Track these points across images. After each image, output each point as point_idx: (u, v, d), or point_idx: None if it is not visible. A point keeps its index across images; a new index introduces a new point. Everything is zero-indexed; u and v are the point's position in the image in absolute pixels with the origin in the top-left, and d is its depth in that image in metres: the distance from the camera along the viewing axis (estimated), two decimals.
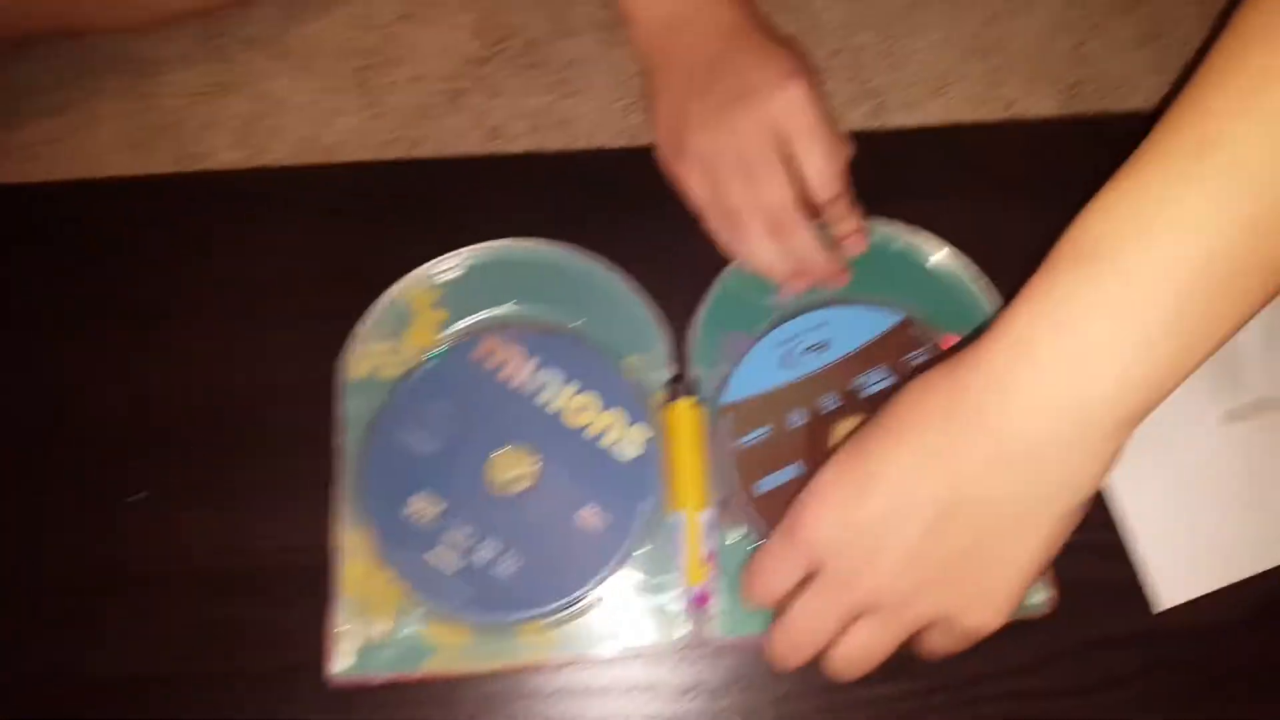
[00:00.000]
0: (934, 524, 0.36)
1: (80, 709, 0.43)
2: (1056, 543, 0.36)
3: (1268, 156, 0.31)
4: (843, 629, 0.39)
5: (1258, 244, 0.32)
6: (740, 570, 0.42)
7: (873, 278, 0.49)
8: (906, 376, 0.47)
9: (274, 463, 0.46)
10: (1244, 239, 0.32)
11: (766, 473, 0.45)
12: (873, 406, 0.45)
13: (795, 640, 0.39)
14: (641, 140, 0.52)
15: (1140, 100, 0.55)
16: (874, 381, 0.47)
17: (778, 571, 0.39)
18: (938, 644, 0.39)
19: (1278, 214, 0.32)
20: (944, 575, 0.36)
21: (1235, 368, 0.49)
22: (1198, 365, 0.33)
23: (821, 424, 0.46)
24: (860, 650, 0.39)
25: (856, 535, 0.37)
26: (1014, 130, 0.54)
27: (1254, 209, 0.31)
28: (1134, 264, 0.32)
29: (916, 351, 0.47)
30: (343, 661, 0.42)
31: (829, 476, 0.38)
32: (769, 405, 0.47)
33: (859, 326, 0.48)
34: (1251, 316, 0.33)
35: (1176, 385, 0.33)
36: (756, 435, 0.46)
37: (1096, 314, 0.33)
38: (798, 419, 0.46)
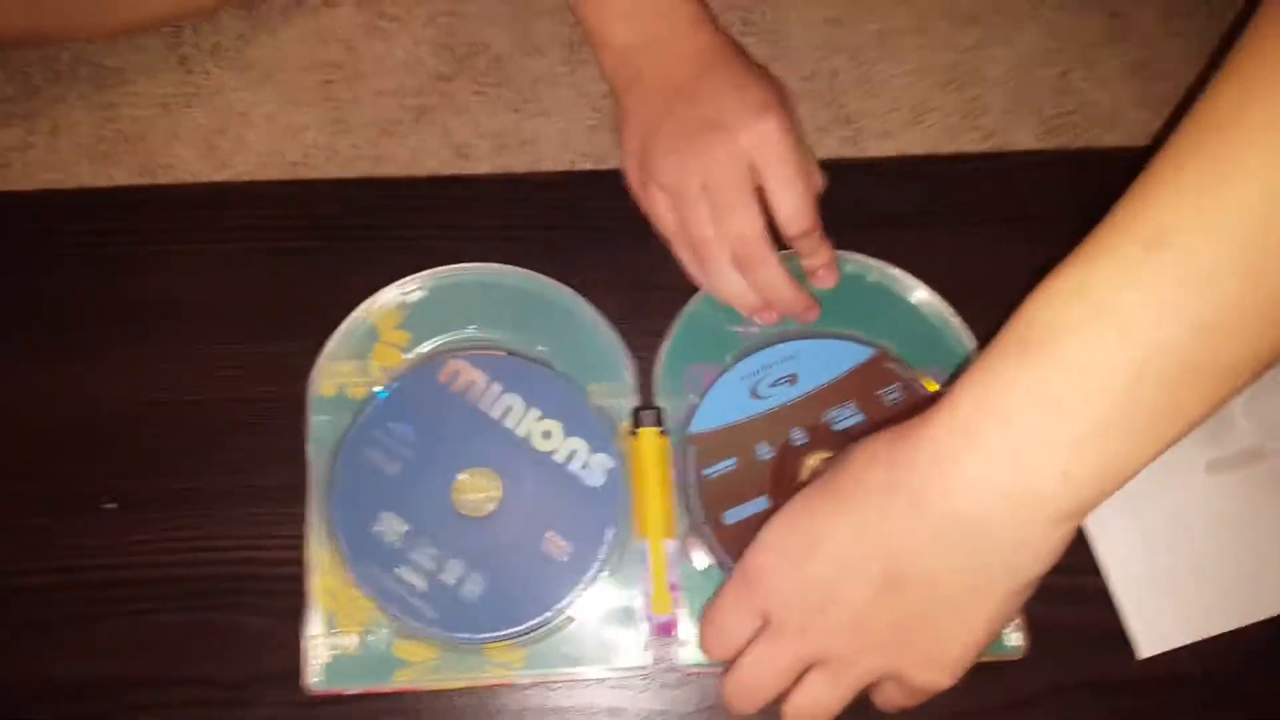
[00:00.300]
0: (879, 590, 0.42)
1: (52, 713, 0.51)
2: (1005, 617, 0.42)
3: (1218, 256, 0.35)
4: (794, 679, 0.46)
5: (1206, 345, 0.35)
6: (702, 609, 0.49)
7: (846, 311, 0.58)
8: (877, 413, 0.55)
9: (247, 475, 0.55)
10: (1191, 340, 0.35)
11: (732, 505, 0.54)
12: (842, 441, 0.53)
13: (746, 688, 0.46)
14: (609, 162, 0.61)
15: (1126, 133, 0.64)
16: (844, 416, 0.56)
17: (732, 619, 0.46)
18: (891, 698, 0.46)
19: (1227, 315, 0.35)
20: (892, 636, 0.43)
21: (1223, 416, 0.56)
22: (1146, 463, 0.37)
23: (790, 457, 0.55)
24: (811, 702, 0.45)
25: (805, 591, 0.44)
26: (993, 162, 0.63)
27: (1202, 309, 0.35)
28: (1077, 359, 0.36)
29: (888, 387, 0.56)
30: (315, 673, 0.51)
31: (777, 531, 0.45)
32: (736, 437, 0.55)
33: (830, 360, 0.56)
34: (1205, 417, 0.37)
35: (1124, 482, 0.38)
36: (722, 467, 0.55)
37: (1038, 408, 0.37)
38: (765, 452, 0.55)
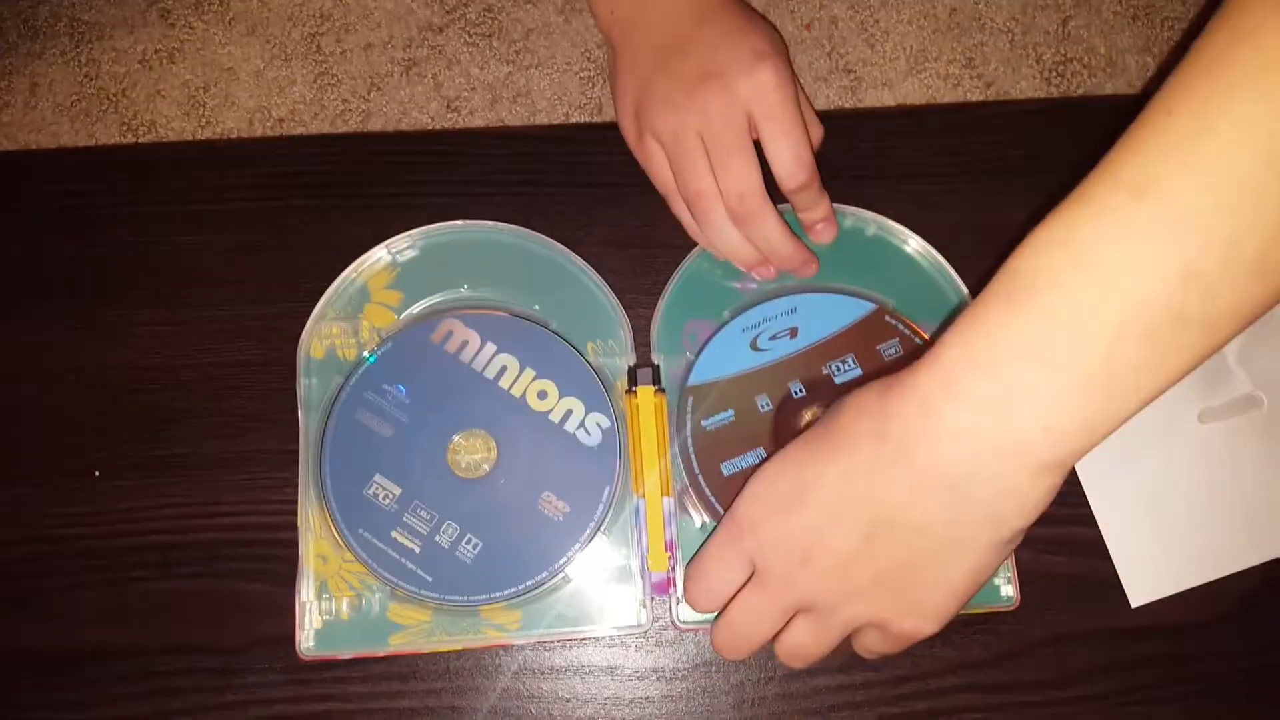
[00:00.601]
0: (864, 539, 0.41)
1: (46, 682, 0.49)
2: (989, 569, 0.41)
3: (1206, 206, 0.33)
4: (781, 626, 0.45)
5: (1191, 296, 0.34)
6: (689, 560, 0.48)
7: (845, 265, 0.56)
8: (876, 367, 0.53)
9: (238, 440, 0.52)
10: (1176, 291, 0.34)
11: (730, 456, 0.52)
12: (841, 394, 0.53)
13: (735, 637, 0.45)
14: (605, 114, 0.59)
15: (1128, 80, 0.61)
16: (843, 370, 0.54)
17: (719, 569, 0.45)
18: (873, 645, 0.45)
19: (1214, 265, 0.33)
20: (876, 585, 0.42)
21: (1217, 365, 0.55)
22: (1129, 417, 0.36)
23: (789, 410, 0.53)
24: (797, 647, 0.45)
25: (792, 539, 0.43)
26: (994, 111, 0.60)
27: (1188, 260, 0.33)
28: (1060, 309, 0.35)
29: (888, 342, 0.54)
30: (308, 637, 0.49)
31: (766, 479, 0.44)
32: (735, 389, 0.53)
33: (830, 314, 0.54)
34: (1189, 371, 0.36)
35: (1109, 433, 0.37)
36: (721, 419, 0.53)
37: (1021, 359, 0.36)
38: (765, 404, 0.53)
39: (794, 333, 0.54)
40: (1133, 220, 0.34)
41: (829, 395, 0.53)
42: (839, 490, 0.41)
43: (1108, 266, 0.35)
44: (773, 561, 0.44)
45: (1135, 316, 0.34)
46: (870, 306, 0.55)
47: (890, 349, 0.54)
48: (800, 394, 0.53)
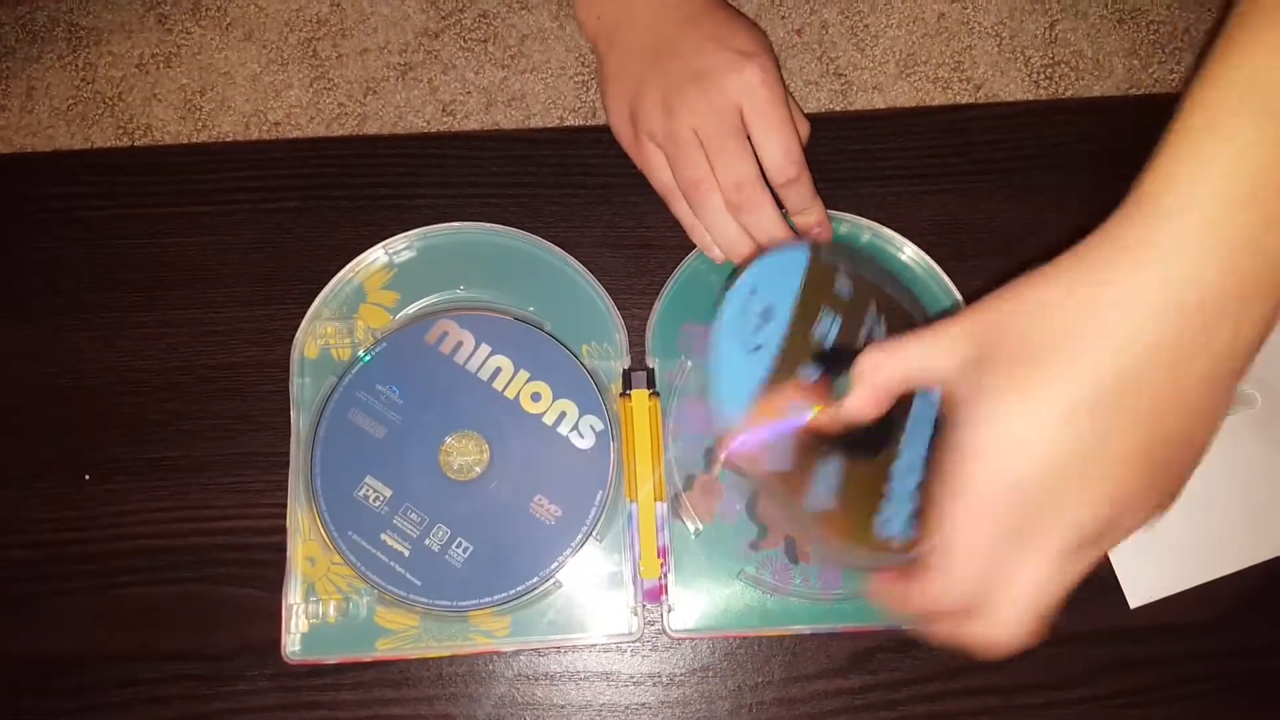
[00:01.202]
0: (1146, 443, 0.34)
1: (38, 688, 0.44)
2: (1220, 415, 0.34)
3: None
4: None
5: None
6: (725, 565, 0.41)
7: None
8: (845, 311, 0.43)
9: (232, 441, 0.47)
10: None
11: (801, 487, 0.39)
12: (838, 355, 0.42)
13: (956, 581, 0.35)
14: (598, 117, 0.53)
15: (1114, 83, 0.56)
16: (826, 328, 0.42)
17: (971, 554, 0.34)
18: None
19: None
20: (1145, 482, 0.35)
21: None
22: None
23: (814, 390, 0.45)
24: (1035, 589, 0.35)
25: (1064, 464, 0.33)
26: (983, 113, 0.55)
27: None
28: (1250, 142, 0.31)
29: (837, 283, 0.43)
30: (295, 641, 0.44)
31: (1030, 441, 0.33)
32: (769, 406, 0.41)
33: (781, 275, 0.42)
34: None
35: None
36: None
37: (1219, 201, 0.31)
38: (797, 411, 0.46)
39: (769, 312, 0.44)
40: None
41: (836, 365, 0.42)
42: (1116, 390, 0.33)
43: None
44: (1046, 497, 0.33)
45: None
46: (805, 250, 0.43)
47: (842, 288, 0.43)
48: (816, 376, 0.42)
